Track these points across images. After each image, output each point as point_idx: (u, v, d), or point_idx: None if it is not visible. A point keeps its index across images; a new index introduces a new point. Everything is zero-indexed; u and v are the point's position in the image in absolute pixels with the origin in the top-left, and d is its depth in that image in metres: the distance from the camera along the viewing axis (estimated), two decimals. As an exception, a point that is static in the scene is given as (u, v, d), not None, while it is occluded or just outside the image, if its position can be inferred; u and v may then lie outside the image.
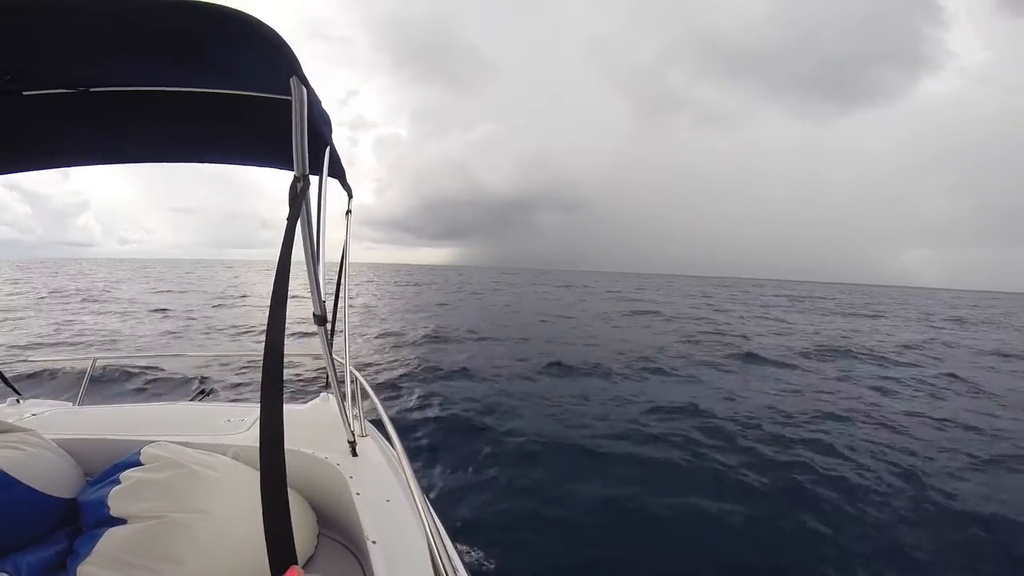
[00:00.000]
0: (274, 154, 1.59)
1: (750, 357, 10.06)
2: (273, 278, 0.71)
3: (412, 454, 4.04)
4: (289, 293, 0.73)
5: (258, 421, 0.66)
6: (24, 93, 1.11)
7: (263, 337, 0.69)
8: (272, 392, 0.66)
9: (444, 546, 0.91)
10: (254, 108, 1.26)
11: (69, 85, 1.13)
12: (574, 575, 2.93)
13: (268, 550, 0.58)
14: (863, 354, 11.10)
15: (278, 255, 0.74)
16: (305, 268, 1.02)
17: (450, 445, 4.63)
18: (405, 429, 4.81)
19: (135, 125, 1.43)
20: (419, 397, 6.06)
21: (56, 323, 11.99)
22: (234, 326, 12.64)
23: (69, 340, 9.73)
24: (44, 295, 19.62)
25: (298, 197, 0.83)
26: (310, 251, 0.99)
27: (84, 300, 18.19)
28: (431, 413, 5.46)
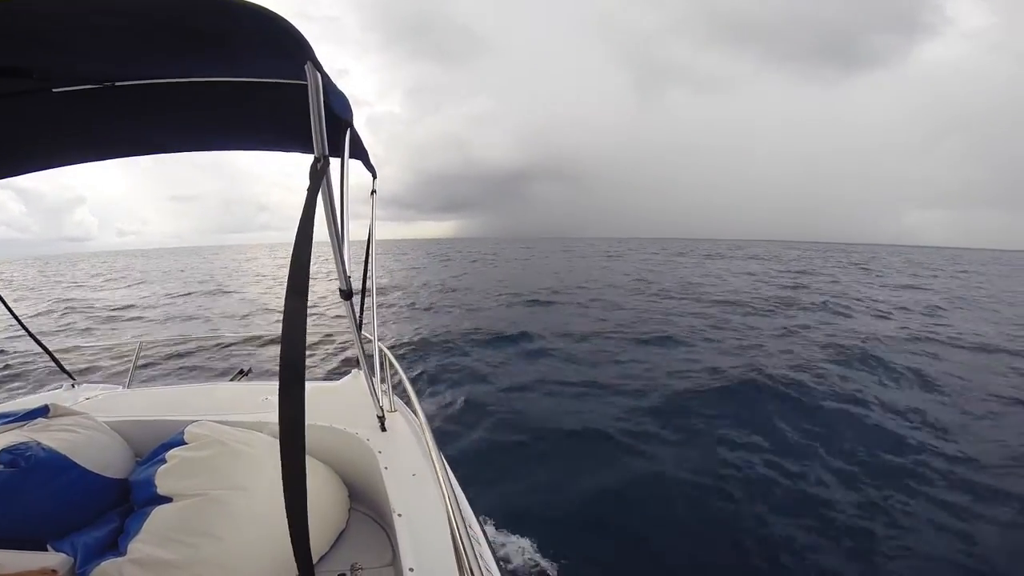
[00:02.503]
0: (296, 138, 1.60)
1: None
2: (290, 259, 0.68)
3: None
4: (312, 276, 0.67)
5: None
6: (54, 90, 1.13)
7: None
8: (292, 382, 0.62)
9: (464, 519, 0.92)
10: (273, 95, 1.27)
11: (95, 81, 1.15)
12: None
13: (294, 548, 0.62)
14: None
15: (295, 235, 0.70)
16: (329, 248, 1.04)
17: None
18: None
19: (159, 117, 1.45)
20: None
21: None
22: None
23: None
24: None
25: (317, 175, 0.82)
26: (334, 229, 0.99)
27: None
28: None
